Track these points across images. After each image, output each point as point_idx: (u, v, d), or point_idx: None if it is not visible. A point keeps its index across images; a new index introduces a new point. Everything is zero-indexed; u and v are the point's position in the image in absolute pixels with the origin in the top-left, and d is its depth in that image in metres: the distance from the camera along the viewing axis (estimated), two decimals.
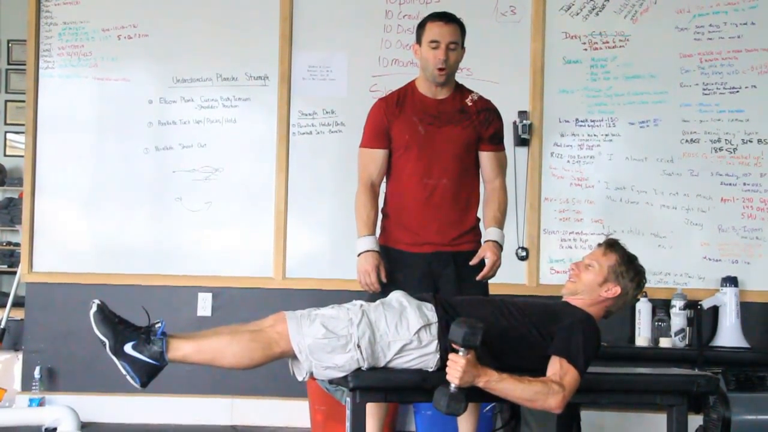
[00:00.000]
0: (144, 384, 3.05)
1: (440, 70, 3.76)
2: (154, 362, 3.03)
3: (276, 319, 3.15)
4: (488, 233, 3.90)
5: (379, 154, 3.86)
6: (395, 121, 3.82)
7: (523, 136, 5.23)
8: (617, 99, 5.28)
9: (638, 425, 5.07)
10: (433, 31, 3.78)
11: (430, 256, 3.76)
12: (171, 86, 5.39)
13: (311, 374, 3.13)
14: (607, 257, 3.32)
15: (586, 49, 5.30)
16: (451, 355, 2.99)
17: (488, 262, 3.81)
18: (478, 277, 3.78)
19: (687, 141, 5.26)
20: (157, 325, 3.05)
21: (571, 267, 3.39)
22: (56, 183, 5.42)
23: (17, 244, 7.83)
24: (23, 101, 5.56)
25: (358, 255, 3.81)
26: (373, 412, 3.81)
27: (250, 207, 5.37)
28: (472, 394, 3.03)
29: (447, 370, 2.99)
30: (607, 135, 5.29)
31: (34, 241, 5.40)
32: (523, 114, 5.25)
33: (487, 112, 3.90)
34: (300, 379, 3.17)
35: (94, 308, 3.06)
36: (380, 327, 3.10)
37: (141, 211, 5.40)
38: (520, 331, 3.19)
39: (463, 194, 3.88)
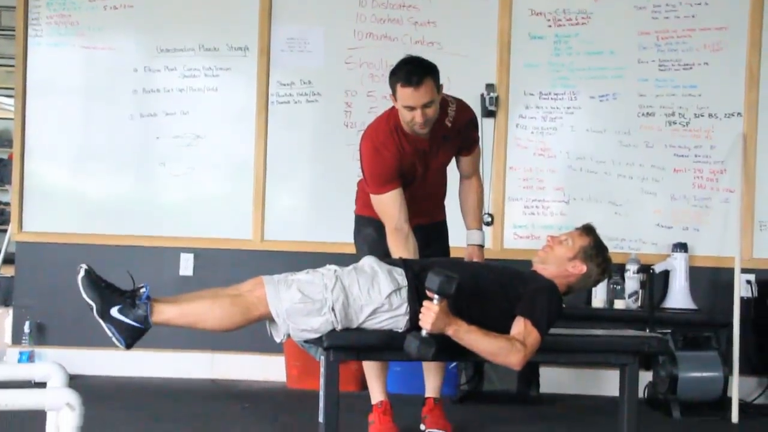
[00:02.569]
0: (129, 346, 3.06)
1: (420, 126, 3.57)
2: (138, 325, 3.03)
3: (254, 283, 3.15)
4: (472, 236, 3.93)
5: (398, 194, 3.64)
6: (401, 164, 3.66)
7: (489, 108, 5.22)
8: (579, 74, 5.29)
9: (593, 381, 5.13)
10: (405, 96, 3.52)
11: (414, 228, 3.72)
12: (155, 56, 5.33)
13: (288, 336, 3.15)
14: (582, 238, 3.36)
15: (550, 26, 5.29)
16: (425, 302, 3.02)
17: None
18: None
19: (643, 114, 5.27)
20: (141, 290, 3.05)
21: (547, 238, 3.43)
22: (45, 146, 5.37)
23: (7, 203, 7.75)
24: (12, 66, 5.49)
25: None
26: (376, 374, 3.84)
27: (231, 172, 5.35)
28: (439, 351, 3.06)
29: (420, 316, 3.02)
30: (569, 108, 5.30)
31: (23, 202, 5.35)
32: (490, 87, 5.24)
33: (466, 127, 3.78)
34: (278, 340, 3.19)
35: (81, 273, 3.05)
36: (353, 291, 3.11)
37: (126, 175, 5.37)
38: (489, 291, 3.22)
39: (442, 190, 3.93)
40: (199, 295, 3.16)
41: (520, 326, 3.14)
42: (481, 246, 3.93)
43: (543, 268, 3.36)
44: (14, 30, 5.42)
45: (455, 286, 2.96)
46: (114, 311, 3.02)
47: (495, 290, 3.22)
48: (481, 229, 3.97)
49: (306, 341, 3.36)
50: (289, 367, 5.09)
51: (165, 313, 3.07)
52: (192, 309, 3.11)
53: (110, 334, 3.03)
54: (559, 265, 3.34)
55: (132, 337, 3.05)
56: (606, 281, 5.09)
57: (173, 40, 5.31)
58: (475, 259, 3.87)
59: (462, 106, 3.78)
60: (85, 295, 3.03)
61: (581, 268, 3.33)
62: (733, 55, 5.23)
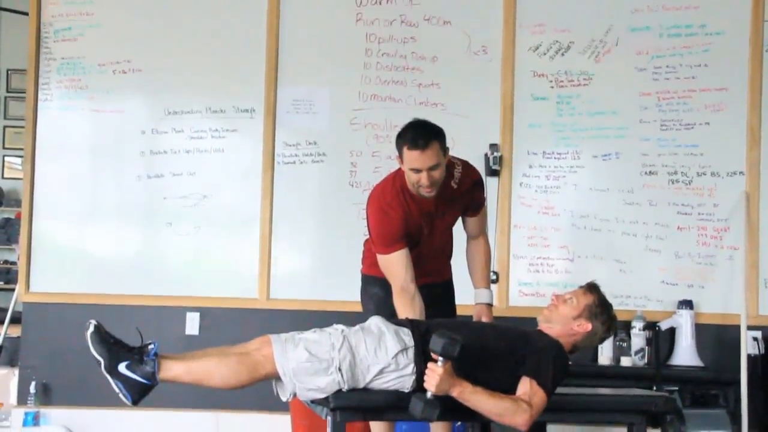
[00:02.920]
0: (135, 402, 3.06)
1: (426, 189, 3.57)
2: (145, 381, 3.03)
3: (262, 342, 3.15)
4: (480, 295, 3.92)
5: (404, 254, 3.62)
6: (407, 225, 3.66)
7: (494, 167, 5.25)
8: (581, 133, 5.32)
9: None
10: (412, 160, 3.52)
11: (420, 287, 3.70)
12: (163, 118, 5.38)
13: (294, 395, 3.13)
14: (586, 296, 3.36)
15: (552, 87, 5.34)
16: (429, 364, 3.01)
17: None
18: None
19: (646, 173, 5.30)
20: (150, 346, 3.06)
21: (552, 297, 3.43)
22: (53, 207, 5.40)
23: (13, 263, 7.78)
24: (21, 127, 5.56)
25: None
26: None
27: (237, 232, 5.36)
28: (445, 410, 3.05)
29: (425, 378, 3.01)
30: (572, 167, 5.33)
31: (31, 262, 5.37)
32: (493, 146, 5.28)
33: (472, 188, 3.78)
34: (284, 399, 3.17)
35: (91, 328, 3.06)
36: (360, 351, 3.10)
37: (133, 235, 5.38)
38: (494, 352, 3.21)
39: (448, 248, 3.92)
40: (207, 353, 3.16)
41: (525, 386, 3.12)
42: (490, 305, 3.92)
43: (548, 327, 3.35)
44: (24, 92, 5.48)
45: (459, 348, 2.96)
46: (122, 367, 3.02)
47: (500, 351, 3.21)
48: (489, 287, 3.96)
49: (312, 401, 3.34)
50: (296, 427, 5.03)
51: (172, 370, 3.06)
52: (199, 366, 3.10)
53: (117, 390, 3.02)
54: (564, 324, 3.33)
55: (139, 393, 3.04)
56: (612, 338, 5.07)
57: (181, 102, 5.37)
58: (483, 318, 3.86)
59: (468, 168, 3.79)
60: (93, 351, 3.03)
61: (586, 326, 3.32)
62: (733, 115, 5.27)
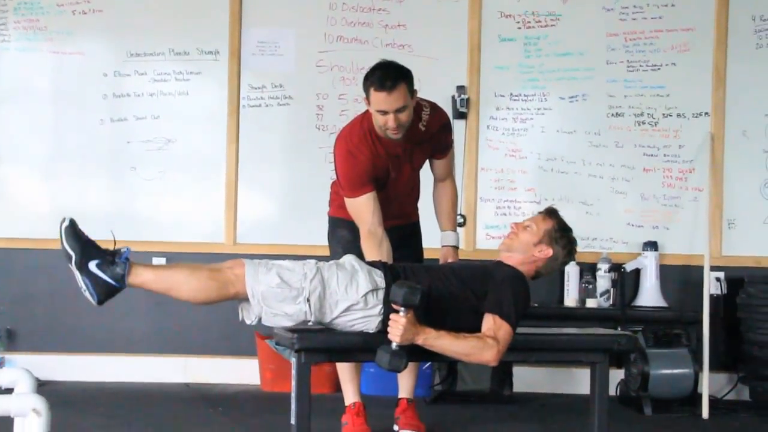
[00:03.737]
0: (100, 302, 3.04)
1: (394, 131, 3.56)
2: (114, 283, 3.01)
3: (235, 262, 3.14)
4: (446, 238, 3.93)
5: (371, 197, 3.62)
6: (375, 167, 3.65)
7: (461, 110, 5.23)
8: (549, 75, 5.31)
9: (566, 380, 5.15)
10: (378, 101, 3.51)
11: (388, 229, 3.69)
12: (125, 60, 5.30)
13: (259, 319, 3.13)
14: (545, 222, 3.37)
15: (519, 28, 5.31)
16: (392, 315, 3.02)
17: None
18: None
19: (613, 115, 5.30)
20: (122, 250, 3.04)
21: (511, 225, 3.44)
22: (15, 152, 5.32)
23: None
24: None
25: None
26: (350, 376, 3.83)
27: (202, 176, 5.31)
28: (412, 352, 3.07)
29: (388, 329, 3.02)
30: (539, 109, 5.32)
31: None
32: (461, 89, 5.25)
33: (440, 130, 3.78)
34: (248, 322, 3.16)
35: (66, 223, 3.05)
36: (331, 285, 3.11)
37: (97, 179, 5.33)
38: (457, 294, 3.23)
39: (414, 191, 3.92)
40: (178, 265, 3.15)
41: (489, 322, 3.15)
42: (456, 247, 3.94)
43: (509, 256, 3.36)
44: None
45: (420, 296, 2.97)
46: (92, 265, 3.00)
47: (462, 292, 3.22)
48: (455, 230, 3.97)
49: (278, 344, 3.35)
50: (263, 370, 5.06)
51: (142, 275, 3.05)
52: (169, 276, 3.10)
53: (84, 288, 3.01)
54: (525, 251, 3.34)
55: (105, 294, 3.02)
56: (578, 280, 5.12)
57: (143, 44, 5.29)
58: (450, 260, 3.87)
59: (435, 110, 3.78)
60: (66, 244, 3.01)
61: (547, 251, 3.33)
62: (699, 56, 5.27)
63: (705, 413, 4.58)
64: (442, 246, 3.94)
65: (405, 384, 3.95)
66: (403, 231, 3.85)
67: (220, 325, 5.25)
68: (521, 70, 5.31)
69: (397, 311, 3.01)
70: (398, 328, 2.98)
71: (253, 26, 5.28)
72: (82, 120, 5.30)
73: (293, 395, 3.18)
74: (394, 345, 3.01)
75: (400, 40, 5.26)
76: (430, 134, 3.74)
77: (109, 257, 3.01)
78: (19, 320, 5.27)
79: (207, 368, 5.25)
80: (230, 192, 5.28)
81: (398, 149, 3.69)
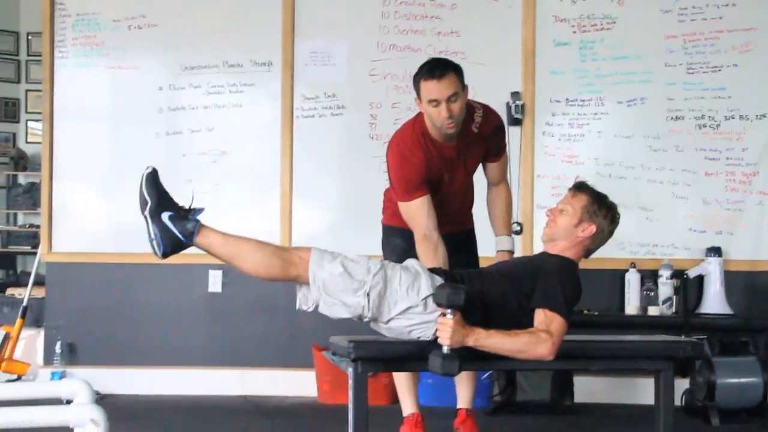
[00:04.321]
0: (165, 254, 3.09)
1: (448, 124, 3.52)
2: (182, 238, 3.07)
3: (303, 247, 3.18)
4: (501, 242, 3.88)
5: (426, 201, 3.58)
6: (428, 170, 3.62)
7: (516, 116, 5.18)
8: (605, 79, 5.23)
9: (628, 390, 5.04)
10: (429, 90, 3.49)
11: (443, 236, 3.66)
12: (179, 73, 5.36)
13: (316, 306, 3.12)
14: (578, 198, 3.29)
15: (575, 32, 5.25)
16: (439, 318, 2.99)
17: None
18: None
19: (672, 118, 5.21)
20: (197, 208, 3.11)
21: (546, 213, 3.36)
22: (73, 167, 5.41)
23: (39, 226, 7.82)
24: (41, 90, 5.52)
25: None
26: (407, 386, 3.80)
27: (257, 188, 5.34)
28: (467, 359, 3.02)
29: (437, 333, 2.99)
30: (596, 114, 5.25)
31: (53, 223, 5.40)
32: (515, 95, 5.21)
33: (493, 133, 3.75)
34: (305, 308, 3.15)
35: (149, 170, 3.13)
36: (393, 284, 3.09)
37: None
38: (510, 297, 3.18)
39: (469, 195, 3.88)
40: (247, 238, 3.17)
41: (540, 317, 3.10)
42: (511, 252, 3.89)
43: (554, 245, 3.29)
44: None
45: (464, 296, 2.93)
46: (165, 216, 3.07)
47: (513, 292, 3.17)
48: (510, 234, 3.92)
49: (334, 354, 3.33)
50: (320, 382, 5.05)
51: (210, 237, 3.10)
52: (236, 243, 3.13)
53: (152, 237, 3.06)
54: (568, 235, 3.27)
55: (172, 247, 3.08)
56: (639, 287, 5.03)
57: (197, 57, 5.34)
58: None
59: (489, 112, 3.75)
60: (144, 190, 3.09)
61: (591, 228, 3.26)
62: (762, 56, 5.16)
63: None
64: (498, 251, 3.89)
65: (463, 394, 3.90)
66: (458, 238, 3.81)
67: (276, 337, 5.27)
68: (577, 74, 5.25)
69: (444, 314, 2.97)
70: (446, 330, 2.95)
71: (305, 37, 5.30)
72: (138, 134, 5.36)
73: (350, 406, 3.15)
74: (445, 349, 2.97)
75: (453, 48, 5.22)
76: (483, 136, 3.70)
77: (183, 212, 3.09)
78: (79, 335, 5.34)
79: (264, 380, 5.26)
80: (285, 203, 5.29)
81: (452, 151, 3.66)
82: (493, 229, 3.93)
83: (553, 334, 3.04)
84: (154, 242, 3.07)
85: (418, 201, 3.60)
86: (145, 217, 3.08)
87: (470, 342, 2.99)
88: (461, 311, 2.97)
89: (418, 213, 3.60)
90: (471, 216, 3.95)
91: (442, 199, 3.69)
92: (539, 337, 3.03)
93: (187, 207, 3.12)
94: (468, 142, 3.67)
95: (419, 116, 3.67)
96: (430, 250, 3.55)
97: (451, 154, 3.66)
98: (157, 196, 3.08)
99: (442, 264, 3.51)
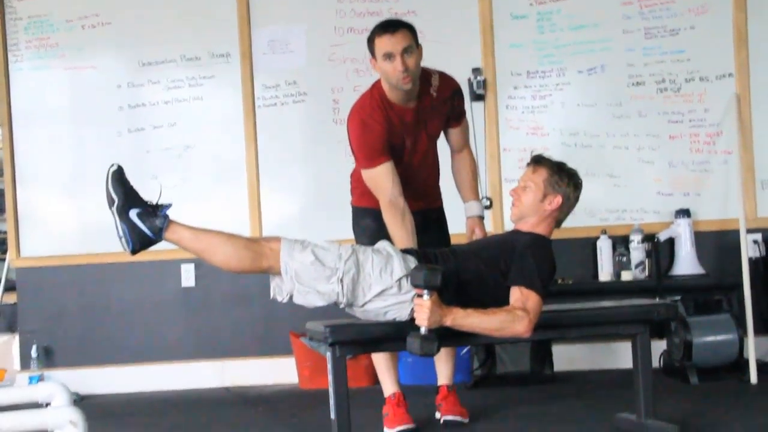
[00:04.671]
0: (134, 251, 3.09)
1: (404, 78, 3.54)
2: (151, 235, 3.07)
3: (272, 237, 3.18)
4: (470, 208, 3.88)
5: (390, 167, 3.59)
6: (389, 137, 3.63)
7: (478, 92, 5.19)
8: (564, 49, 5.24)
9: (607, 355, 5.09)
10: (383, 44, 3.53)
11: (417, 215, 3.67)
12: (137, 70, 5.31)
13: (290, 296, 3.13)
14: (538, 173, 3.32)
15: (531, 4, 5.25)
16: (416, 300, 3.01)
17: (480, 238, 3.80)
18: None
19: (633, 84, 5.23)
20: (165, 205, 3.10)
21: (510, 193, 3.39)
22: (36, 171, 5.36)
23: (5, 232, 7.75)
24: None
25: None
26: (386, 366, 3.80)
27: (224, 179, 5.31)
28: (445, 337, 3.04)
29: (415, 314, 3.00)
30: (557, 84, 5.26)
31: (19, 228, 5.35)
32: (476, 71, 5.21)
33: (452, 97, 3.76)
34: (279, 299, 3.16)
35: (114, 167, 3.11)
36: (366, 268, 3.10)
37: None
38: (484, 275, 3.20)
39: (434, 167, 3.87)
40: (217, 231, 3.16)
41: (516, 294, 3.12)
42: (481, 217, 3.88)
43: (524, 223, 3.32)
44: None
45: (440, 277, 2.95)
46: (133, 213, 3.06)
47: (488, 271, 3.19)
48: (478, 200, 3.92)
49: (311, 339, 3.34)
50: (301, 368, 5.06)
51: (179, 232, 3.09)
52: (206, 237, 3.12)
53: (120, 234, 3.06)
54: (536, 211, 3.30)
55: (141, 244, 3.07)
56: (611, 253, 5.06)
57: (154, 53, 5.30)
58: (477, 231, 3.81)
59: (445, 76, 3.78)
60: (111, 188, 3.07)
61: (557, 199, 3.29)
62: (719, 17, 5.19)
63: (753, 378, 4.50)
64: (468, 217, 3.88)
65: (443, 371, 3.91)
66: (428, 216, 3.81)
67: (253, 326, 5.26)
68: (536, 46, 5.25)
69: (421, 296, 2.98)
70: (424, 311, 2.97)
71: (262, 26, 5.27)
72: (100, 133, 5.32)
73: (331, 390, 3.16)
74: (423, 329, 2.98)
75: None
76: (441, 99, 3.72)
77: (150, 209, 3.08)
78: (54, 337, 5.30)
79: (244, 370, 5.25)
80: (253, 193, 5.27)
81: (411, 115, 3.67)
82: (461, 195, 3.93)
83: (529, 312, 3.07)
84: (123, 239, 3.07)
85: (381, 167, 3.60)
86: (113, 214, 3.06)
87: (448, 322, 3.01)
88: (438, 292, 2.98)
89: (383, 179, 3.60)
90: (439, 193, 3.95)
91: (408, 171, 3.69)
92: (516, 315, 3.06)
93: (154, 203, 3.11)
94: (427, 106, 3.69)
95: (376, 84, 3.69)
96: (398, 217, 3.56)
97: (410, 119, 3.67)
98: (123, 194, 3.06)
99: (410, 232, 3.52)
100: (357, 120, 3.66)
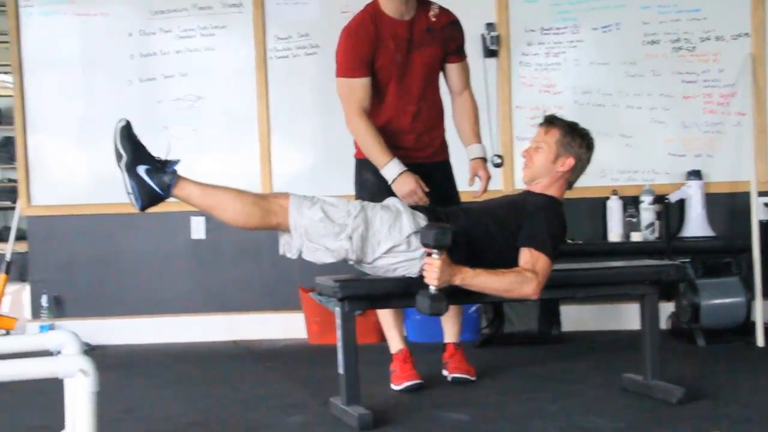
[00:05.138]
0: (143, 207, 3.08)
1: None
2: (159, 191, 3.06)
3: (281, 194, 3.17)
4: (473, 150, 3.83)
5: (366, 82, 3.63)
6: (377, 50, 3.64)
7: (491, 48, 5.14)
8: (579, 6, 5.18)
9: (615, 316, 5.09)
10: None
11: (414, 167, 3.67)
12: (149, 18, 5.27)
13: (300, 253, 3.13)
14: (550, 134, 3.29)
15: None
16: (426, 258, 3.00)
17: (482, 181, 3.77)
18: (476, 195, 3.73)
19: (648, 42, 5.18)
20: (173, 160, 3.08)
21: (522, 154, 3.36)
22: (47, 119, 5.34)
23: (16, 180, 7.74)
24: (7, 42, 5.42)
25: (393, 180, 3.57)
26: (392, 323, 3.82)
27: (235, 132, 5.29)
28: (453, 295, 3.04)
29: (424, 273, 3.00)
30: (571, 41, 5.21)
31: (30, 177, 5.34)
32: (490, 26, 5.16)
33: (450, 26, 3.77)
34: (289, 255, 3.17)
35: (122, 122, 3.08)
36: (375, 224, 3.10)
37: None
38: (495, 234, 3.20)
39: (434, 111, 3.82)
40: (225, 187, 3.15)
41: (526, 256, 3.12)
42: (484, 158, 3.82)
43: (536, 184, 3.31)
44: (5, 5, 5.35)
45: (451, 236, 2.95)
46: (141, 169, 3.04)
47: (499, 230, 3.19)
48: (480, 142, 3.85)
49: (321, 294, 3.34)
50: (309, 324, 5.07)
51: (187, 188, 3.08)
52: (214, 193, 3.11)
53: (129, 191, 3.05)
54: (548, 172, 3.28)
55: (149, 200, 3.06)
56: (622, 214, 5.04)
57: (166, 1, 5.24)
58: (480, 173, 3.77)
59: (445, 9, 3.79)
60: (119, 144, 3.05)
61: (569, 161, 3.27)
62: None
63: (760, 341, 4.51)
64: (470, 159, 3.83)
65: (450, 329, 3.92)
66: (432, 171, 3.74)
67: (262, 280, 5.28)
68: (551, 2, 5.20)
69: (430, 255, 2.98)
70: (434, 270, 2.97)
71: None
72: (111, 82, 5.29)
73: (339, 345, 3.18)
74: (432, 288, 2.99)
75: None
76: (439, 26, 3.72)
77: (159, 165, 3.05)
78: (65, 287, 5.32)
79: (253, 324, 5.27)
80: (264, 145, 5.26)
81: (404, 29, 3.66)
82: (462, 140, 3.89)
83: (538, 274, 3.07)
84: (132, 196, 3.06)
85: (361, 80, 3.63)
86: (121, 170, 3.05)
87: (457, 281, 3.01)
88: (447, 251, 2.97)
89: (359, 90, 3.62)
90: (445, 145, 3.88)
91: (405, 92, 3.67)
92: (525, 276, 3.06)
93: (163, 159, 3.08)
94: (423, 26, 3.69)
95: (373, 1, 3.71)
96: (366, 122, 3.59)
97: (403, 32, 3.67)
98: (132, 149, 3.04)
99: (379, 140, 3.55)
100: (346, 32, 3.70)
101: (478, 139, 3.85)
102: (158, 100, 5.28)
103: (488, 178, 3.79)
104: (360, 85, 3.63)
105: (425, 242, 2.99)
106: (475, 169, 3.80)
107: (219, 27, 5.26)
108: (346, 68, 3.66)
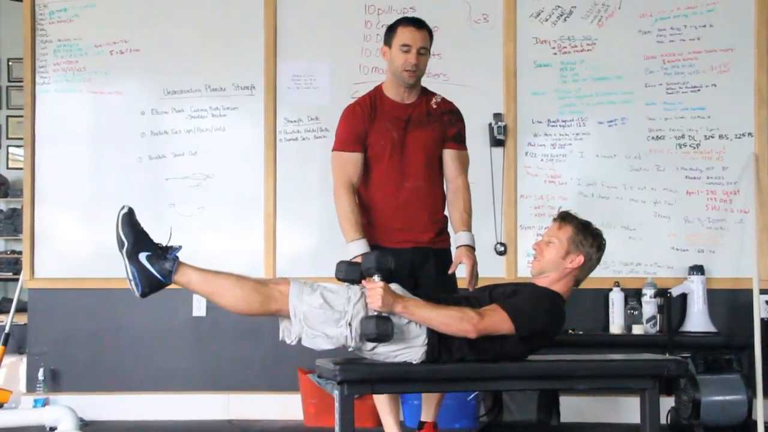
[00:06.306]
0: (144, 294, 3.09)
1: (410, 73, 3.70)
2: (160, 278, 3.07)
3: (281, 280, 3.19)
4: (460, 238, 3.81)
5: (357, 158, 3.75)
6: (371, 127, 3.75)
7: (498, 137, 5.21)
8: (586, 100, 5.28)
9: (614, 409, 5.06)
10: (405, 35, 3.71)
11: (411, 252, 3.71)
12: (162, 98, 5.36)
13: (299, 339, 3.13)
14: (563, 230, 3.30)
15: (555, 53, 5.29)
16: (367, 282, 3.05)
17: (467, 268, 3.72)
18: (467, 286, 3.70)
19: (653, 138, 5.26)
20: (174, 247, 3.10)
21: (533, 247, 3.38)
22: (55, 193, 5.38)
23: (20, 252, 7.77)
24: (21, 116, 5.50)
25: (353, 258, 3.59)
26: (388, 408, 3.79)
27: (241, 211, 5.34)
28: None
29: (366, 297, 3.04)
30: (577, 134, 5.29)
31: (35, 249, 5.36)
32: (497, 116, 5.24)
33: (451, 114, 3.86)
34: (288, 341, 3.16)
35: (125, 210, 3.12)
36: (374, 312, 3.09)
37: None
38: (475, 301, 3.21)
39: (434, 194, 3.85)
40: (226, 273, 3.17)
41: (488, 306, 3.13)
42: (472, 247, 3.78)
43: (543, 278, 3.30)
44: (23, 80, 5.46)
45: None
46: (142, 256, 3.06)
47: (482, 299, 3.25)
48: (469, 230, 3.82)
49: (320, 377, 3.33)
50: (306, 405, 5.04)
51: (188, 275, 3.10)
52: (215, 280, 3.12)
53: (130, 278, 3.07)
54: (557, 267, 3.28)
55: (150, 287, 3.08)
56: (623, 306, 5.05)
57: (180, 81, 5.34)
58: (464, 260, 3.71)
59: (448, 101, 3.90)
60: (120, 231, 3.08)
61: (579, 259, 3.27)
62: (740, 76, 5.22)
63: None
64: (457, 247, 3.80)
65: (428, 408, 3.88)
66: (428, 258, 3.74)
67: (261, 360, 5.25)
68: (558, 95, 5.29)
69: (372, 279, 3.05)
70: (377, 291, 3.00)
71: (287, 60, 5.33)
72: (121, 159, 5.35)
73: (337, 429, 3.15)
74: (375, 313, 3.02)
75: (435, 69, 5.21)
76: (438, 112, 3.82)
77: (160, 251, 3.08)
78: (62, 361, 5.30)
79: (249, 404, 5.23)
80: (269, 226, 5.29)
81: (403, 111, 3.76)
82: (452, 226, 3.87)
83: (483, 318, 3.06)
84: (133, 282, 3.07)
85: (354, 155, 3.75)
86: (123, 257, 3.07)
87: (399, 308, 3.04)
88: (390, 278, 3.03)
89: (349, 164, 3.75)
90: (445, 234, 3.86)
91: (401, 172, 3.74)
92: (467, 315, 3.06)
93: (164, 245, 3.11)
94: (423, 110, 3.79)
95: (377, 87, 3.85)
96: (352, 202, 3.70)
97: (402, 113, 3.77)
98: (133, 237, 3.07)
99: (357, 222, 3.65)
100: (347, 108, 3.86)
101: (466, 227, 3.83)
102: (166, 177, 5.34)
103: (472, 266, 3.74)
104: (351, 160, 3.75)
105: (367, 266, 3.04)
106: (459, 257, 3.77)
107: (230, 108, 5.35)
108: (340, 142, 3.81)
